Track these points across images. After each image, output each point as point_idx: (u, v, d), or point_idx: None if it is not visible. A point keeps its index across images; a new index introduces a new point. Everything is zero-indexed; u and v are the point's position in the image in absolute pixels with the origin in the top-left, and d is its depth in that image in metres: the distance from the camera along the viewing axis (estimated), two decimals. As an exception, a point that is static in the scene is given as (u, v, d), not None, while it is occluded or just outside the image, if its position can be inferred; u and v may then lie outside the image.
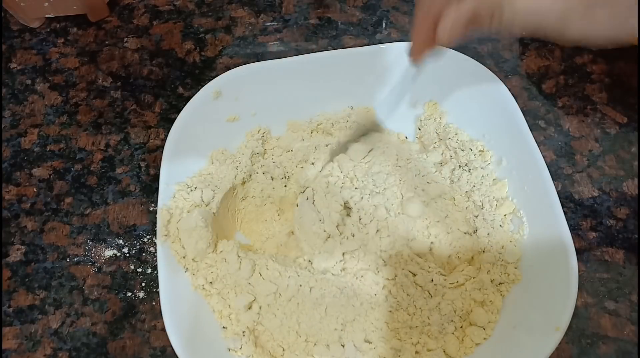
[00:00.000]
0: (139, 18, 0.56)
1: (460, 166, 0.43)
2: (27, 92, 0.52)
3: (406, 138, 0.46)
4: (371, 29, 0.55)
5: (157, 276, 0.37)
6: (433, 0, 0.31)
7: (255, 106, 0.45)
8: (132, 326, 0.41)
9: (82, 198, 0.46)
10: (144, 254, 0.44)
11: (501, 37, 0.30)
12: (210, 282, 0.38)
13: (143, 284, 0.42)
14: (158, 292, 0.37)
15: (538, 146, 0.39)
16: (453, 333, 0.37)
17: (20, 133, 0.50)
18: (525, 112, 0.41)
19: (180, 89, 0.52)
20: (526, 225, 0.39)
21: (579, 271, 0.35)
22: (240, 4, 0.57)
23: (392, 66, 0.45)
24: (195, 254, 0.38)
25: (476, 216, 0.41)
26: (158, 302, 0.40)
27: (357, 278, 0.38)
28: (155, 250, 0.43)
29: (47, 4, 0.53)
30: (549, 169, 0.38)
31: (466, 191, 0.42)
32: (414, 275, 0.38)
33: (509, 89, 0.42)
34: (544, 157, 0.39)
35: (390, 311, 0.37)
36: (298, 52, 0.53)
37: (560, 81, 0.51)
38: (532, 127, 0.41)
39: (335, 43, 0.54)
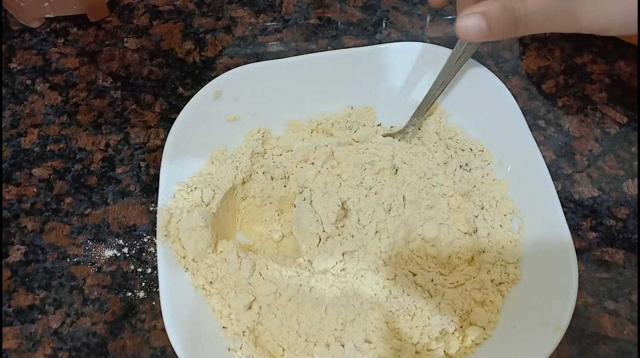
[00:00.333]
0: (139, 18, 0.56)
1: (460, 166, 0.43)
2: (27, 92, 0.52)
3: (405, 137, 0.46)
4: (371, 29, 0.55)
5: (157, 276, 0.37)
6: None
7: (255, 106, 0.45)
8: (132, 326, 0.41)
9: (82, 198, 0.46)
10: (144, 254, 0.44)
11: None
12: (210, 282, 0.38)
13: (143, 284, 0.42)
14: (158, 292, 0.37)
15: (538, 146, 0.39)
16: (453, 333, 0.37)
17: (20, 133, 0.50)
18: (525, 112, 0.41)
19: (180, 89, 0.52)
20: (526, 224, 0.39)
21: (579, 271, 0.35)
22: (240, 4, 0.57)
23: (392, 66, 0.45)
24: (195, 254, 0.38)
25: (476, 216, 0.41)
26: (158, 302, 0.40)
27: (357, 278, 0.38)
28: (155, 250, 0.43)
29: (47, 4, 0.53)
30: (549, 169, 0.38)
31: (466, 191, 0.42)
32: (414, 275, 0.38)
33: (509, 89, 0.42)
34: (544, 157, 0.39)
35: (391, 311, 0.37)
36: (298, 52, 0.53)
37: (560, 80, 0.51)
38: (532, 127, 0.41)
39: (335, 43, 0.54)
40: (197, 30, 0.56)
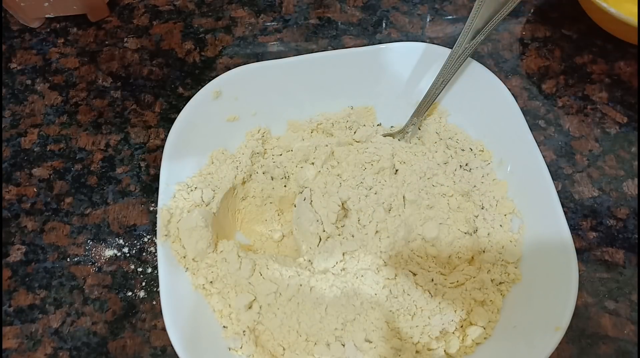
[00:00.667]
0: (139, 18, 0.56)
1: (460, 166, 0.43)
2: (27, 92, 0.52)
3: (405, 137, 0.46)
4: (371, 29, 0.55)
5: (157, 276, 0.37)
6: None
7: (255, 106, 0.45)
8: (133, 325, 0.41)
9: (82, 198, 0.46)
10: (144, 254, 0.44)
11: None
12: (211, 282, 0.38)
13: (143, 284, 0.42)
14: (158, 292, 0.37)
15: (538, 146, 0.39)
16: (453, 333, 0.37)
17: (20, 133, 0.50)
18: (525, 112, 0.41)
19: (180, 89, 0.52)
20: (526, 224, 0.39)
21: (579, 271, 0.35)
22: (240, 4, 0.57)
23: (392, 66, 0.45)
24: (196, 254, 0.38)
25: (476, 216, 0.41)
26: (158, 302, 0.40)
27: (357, 278, 0.38)
28: (156, 249, 0.43)
29: (47, 4, 0.53)
30: (549, 169, 0.38)
31: (466, 191, 0.42)
32: (414, 274, 0.38)
33: (509, 89, 0.42)
34: (544, 157, 0.39)
35: (391, 311, 0.37)
36: (298, 52, 0.53)
37: (561, 80, 0.51)
38: (532, 127, 0.41)
39: (335, 43, 0.54)
40: (197, 30, 0.56)
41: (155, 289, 0.42)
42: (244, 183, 0.44)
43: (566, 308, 0.34)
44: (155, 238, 0.41)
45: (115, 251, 0.44)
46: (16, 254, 0.44)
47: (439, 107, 0.45)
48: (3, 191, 0.47)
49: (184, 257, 0.39)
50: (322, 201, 0.40)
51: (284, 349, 0.37)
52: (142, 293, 0.42)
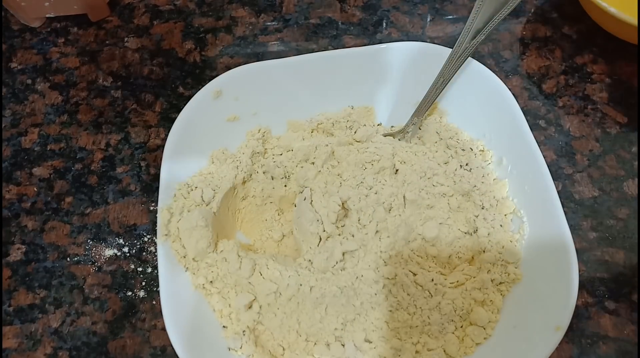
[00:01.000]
0: (140, 18, 0.56)
1: (461, 165, 0.43)
2: (27, 92, 0.52)
3: (405, 137, 0.46)
4: (371, 28, 0.55)
5: (157, 276, 0.37)
6: None
7: (255, 105, 0.45)
8: (133, 325, 0.41)
9: (82, 198, 0.46)
10: (144, 253, 0.44)
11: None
12: (211, 281, 0.38)
13: (143, 283, 0.42)
14: (158, 291, 0.37)
15: (538, 145, 0.39)
16: (453, 333, 0.37)
17: (21, 132, 0.50)
18: (525, 112, 0.41)
19: (181, 89, 0.52)
20: (526, 224, 0.39)
21: (579, 271, 0.35)
22: (240, 4, 0.57)
23: (392, 65, 0.45)
24: (196, 253, 0.38)
25: (476, 216, 0.41)
26: (158, 301, 0.40)
27: (357, 277, 0.38)
28: (156, 249, 0.43)
29: (47, 3, 0.53)
30: (549, 169, 0.38)
31: (467, 191, 0.42)
32: (414, 274, 0.38)
33: (510, 89, 0.42)
34: (544, 157, 0.39)
35: (391, 311, 0.37)
36: (298, 52, 0.53)
37: (561, 80, 0.51)
38: (533, 127, 0.41)
39: (336, 43, 0.54)
40: (197, 29, 0.56)
41: (155, 289, 0.42)
42: (244, 182, 0.44)
43: (566, 308, 0.34)
44: (155, 237, 0.41)
45: (115, 250, 0.44)
46: (16, 253, 0.44)
47: (439, 107, 0.45)
48: (3, 191, 0.47)
49: (184, 257, 0.39)
50: (323, 201, 0.40)
51: (283, 349, 0.37)
52: (142, 293, 0.42)
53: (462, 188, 0.42)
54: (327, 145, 0.44)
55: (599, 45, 0.52)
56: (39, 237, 0.45)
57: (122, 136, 0.49)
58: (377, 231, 0.39)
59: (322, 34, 0.55)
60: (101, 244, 0.44)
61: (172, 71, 0.53)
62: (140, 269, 0.43)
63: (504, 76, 0.51)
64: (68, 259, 0.44)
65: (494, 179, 0.42)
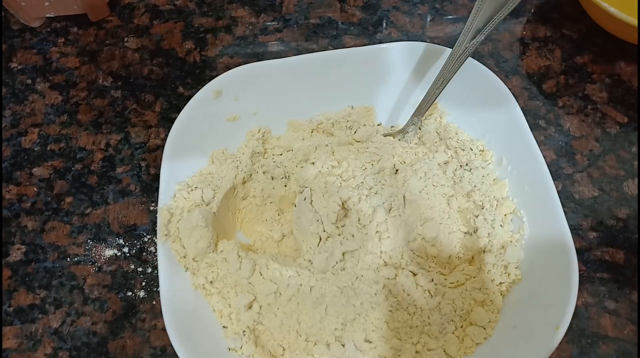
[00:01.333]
0: (140, 18, 0.56)
1: (461, 166, 0.43)
2: (27, 92, 0.52)
3: (405, 137, 0.46)
4: (371, 28, 0.55)
5: (157, 276, 0.37)
6: None
7: (255, 105, 0.45)
8: (133, 325, 0.41)
9: (82, 198, 0.46)
10: (144, 253, 0.44)
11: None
12: (211, 282, 0.38)
13: (143, 283, 0.42)
14: (158, 292, 0.37)
15: (538, 145, 0.39)
16: (453, 333, 0.37)
17: (21, 133, 0.50)
18: (525, 112, 0.41)
19: (181, 89, 0.52)
20: (526, 224, 0.39)
21: (579, 271, 0.35)
22: (240, 4, 0.57)
23: (392, 66, 0.45)
24: (196, 253, 0.38)
25: (476, 216, 0.41)
26: (158, 302, 0.40)
27: (357, 277, 0.38)
28: (156, 249, 0.43)
29: (47, 3, 0.53)
30: (549, 169, 0.38)
31: (467, 191, 0.42)
32: (415, 274, 0.38)
33: (510, 89, 0.42)
34: (544, 157, 0.39)
35: (391, 311, 0.37)
36: (298, 52, 0.53)
37: (561, 80, 0.51)
38: (533, 127, 0.41)
39: (336, 43, 0.54)
40: (197, 29, 0.56)
41: (155, 289, 0.42)
42: (244, 182, 0.44)
43: (566, 308, 0.34)
44: (155, 237, 0.41)
45: (115, 251, 0.44)
46: (16, 254, 0.44)
47: (439, 107, 0.45)
48: (3, 191, 0.47)
49: (184, 257, 0.39)
50: (322, 201, 0.40)
51: (283, 349, 0.37)
52: (142, 293, 0.42)
53: (462, 188, 0.42)
54: (327, 145, 0.44)
55: (599, 45, 0.52)
56: (39, 237, 0.45)
57: (122, 136, 0.49)
58: (377, 232, 0.39)
59: (322, 34, 0.55)
60: (101, 244, 0.44)
61: (172, 71, 0.53)
62: (140, 269, 0.43)
63: (504, 76, 0.51)
64: (68, 259, 0.44)
65: (494, 179, 0.42)
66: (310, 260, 0.39)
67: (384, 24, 0.55)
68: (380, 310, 0.37)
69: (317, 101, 0.46)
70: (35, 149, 0.49)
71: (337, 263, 0.38)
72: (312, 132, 0.46)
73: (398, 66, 0.45)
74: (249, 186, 0.44)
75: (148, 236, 0.44)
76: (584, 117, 0.49)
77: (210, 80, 0.43)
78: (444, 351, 0.36)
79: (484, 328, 0.37)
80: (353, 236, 0.39)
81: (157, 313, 0.41)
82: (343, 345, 0.37)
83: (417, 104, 0.44)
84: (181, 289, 0.37)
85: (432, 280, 0.38)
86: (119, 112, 0.51)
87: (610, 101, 0.49)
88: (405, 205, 0.40)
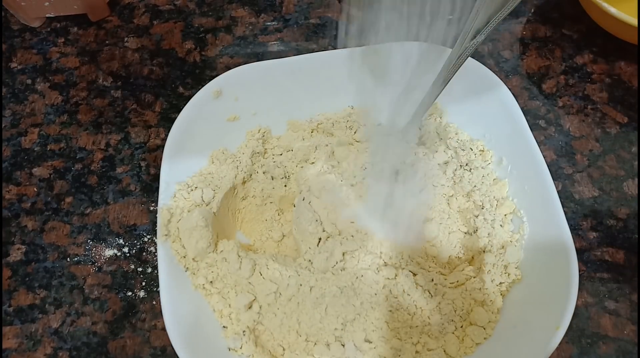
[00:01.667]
0: (140, 18, 0.56)
1: (461, 166, 0.43)
2: (27, 92, 0.52)
3: (405, 137, 0.46)
4: (371, 28, 0.55)
5: (157, 276, 0.37)
6: None
7: (255, 105, 0.45)
8: (133, 325, 0.41)
9: (82, 198, 0.46)
10: (144, 253, 0.44)
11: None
12: (211, 282, 0.38)
13: (143, 283, 0.42)
14: (158, 292, 0.37)
15: (538, 145, 0.39)
16: (453, 333, 0.37)
17: (21, 133, 0.50)
18: (525, 112, 0.41)
19: (181, 89, 0.52)
20: (526, 224, 0.39)
21: (579, 271, 0.35)
22: (240, 4, 0.57)
23: (392, 66, 0.45)
24: (196, 253, 0.38)
25: (476, 216, 0.41)
26: (158, 302, 0.40)
27: (357, 277, 0.38)
28: (156, 249, 0.43)
29: (47, 3, 0.53)
30: (549, 169, 0.38)
31: (467, 191, 0.42)
32: (414, 274, 0.38)
33: (510, 89, 0.42)
34: (544, 157, 0.39)
35: (391, 311, 0.37)
36: (298, 52, 0.53)
37: (561, 80, 0.51)
38: (533, 127, 0.41)
39: (336, 43, 0.54)
40: (197, 29, 0.56)
41: (155, 289, 0.42)
42: (244, 182, 0.44)
43: (566, 308, 0.34)
44: (155, 237, 0.41)
45: (115, 251, 0.44)
46: (16, 254, 0.44)
47: (439, 107, 0.45)
48: (3, 191, 0.47)
49: (184, 257, 0.39)
50: (322, 201, 0.40)
51: (283, 349, 0.37)
52: (142, 293, 0.42)
53: (462, 188, 0.42)
54: (327, 145, 0.44)
55: (599, 45, 0.52)
56: (39, 237, 0.45)
57: (122, 136, 0.49)
58: (377, 232, 0.39)
59: (322, 34, 0.55)
60: (101, 244, 0.44)
61: (172, 71, 0.53)
62: (140, 269, 0.43)
63: (504, 76, 0.51)
64: (68, 259, 0.44)
65: (494, 179, 0.42)
66: (310, 260, 0.39)
67: (384, 24, 0.55)
68: (380, 310, 0.37)
69: (317, 101, 0.46)
70: (35, 149, 0.49)
71: (337, 263, 0.38)
72: (312, 132, 0.46)
73: (398, 66, 0.45)
74: (249, 186, 0.44)
75: (148, 236, 0.44)
76: (584, 117, 0.49)
77: (210, 80, 0.43)
78: (444, 351, 0.36)
79: (484, 328, 0.37)
80: (353, 236, 0.39)
81: (157, 313, 0.41)
82: (343, 345, 0.37)
83: (417, 104, 0.44)
84: (181, 289, 0.37)
85: (432, 280, 0.38)
86: (119, 112, 0.51)
87: (610, 101, 0.49)
88: (424, 227, 0.40)
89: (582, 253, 0.42)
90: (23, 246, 0.44)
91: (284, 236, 0.43)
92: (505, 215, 0.41)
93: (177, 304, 0.36)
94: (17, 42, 0.55)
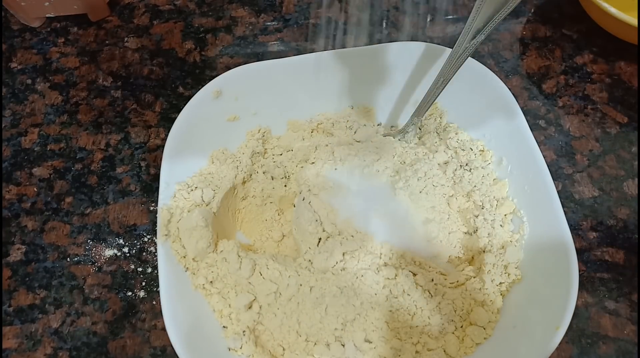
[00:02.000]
0: (140, 18, 0.56)
1: (461, 166, 0.43)
2: (27, 92, 0.52)
3: (405, 137, 0.46)
4: (371, 28, 0.55)
5: (157, 276, 0.37)
6: None
7: (255, 105, 0.45)
8: (133, 325, 0.41)
9: (82, 198, 0.46)
10: (144, 253, 0.44)
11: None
12: (211, 282, 0.38)
13: (143, 283, 0.42)
14: (158, 292, 0.37)
15: (538, 145, 0.39)
16: (453, 333, 0.37)
17: (21, 133, 0.50)
18: (525, 112, 0.41)
19: (181, 89, 0.52)
20: (526, 224, 0.39)
21: (579, 271, 0.35)
22: (240, 4, 0.57)
23: (392, 65, 0.45)
24: (196, 253, 0.38)
25: (476, 216, 0.41)
26: (158, 302, 0.40)
27: (357, 277, 0.38)
28: (156, 249, 0.43)
29: (47, 3, 0.53)
30: (549, 169, 0.38)
31: (467, 191, 0.42)
32: (415, 274, 0.38)
33: (510, 89, 0.42)
34: (544, 157, 0.39)
35: (391, 311, 0.37)
36: (298, 52, 0.53)
37: (561, 80, 0.51)
38: (533, 127, 0.41)
39: (336, 43, 0.54)
40: (197, 29, 0.56)
41: (155, 289, 0.42)
42: (244, 182, 0.44)
43: (566, 308, 0.34)
44: (155, 237, 0.41)
45: (115, 251, 0.44)
46: (16, 254, 0.44)
47: (439, 107, 0.45)
48: (3, 191, 0.47)
49: (184, 257, 0.39)
50: (321, 201, 0.40)
51: (283, 349, 0.37)
52: (142, 293, 0.42)
53: (462, 188, 0.42)
54: (327, 145, 0.44)
55: (599, 45, 0.52)
56: (39, 237, 0.45)
57: (122, 136, 0.49)
58: (377, 232, 0.39)
59: (322, 34, 0.55)
60: (101, 244, 0.44)
61: (172, 71, 0.53)
62: (140, 269, 0.43)
63: (504, 76, 0.51)
64: (68, 259, 0.44)
65: (494, 179, 0.42)
66: (310, 260, 0.39)
67: (384, 24, 0.55)
68: (380, 310, 0.37)
69: (317, 101, 0.46)
70: (35, 149, 0.49)
71: (337, 263, 0.38)
72: (312, 132, 0.46)
73: (398, 66, 0.45)
74: (249, 186, 0.44)
75: (148, 236, 0.44)
76: (584, 117, 0.49)
77: (210, 80, 0.43)
78: (444, 351, 0.36)
79: (484, 328, 0.37)
80: (353, 236, 0.39)
81: (157, 313, 0.41)
82: (343, 345, 0.37)
83: (417, 104, 0.44)
84: (181, 289, 0.37)
85: (432, 280, 0.38)
86: (119, 112, 0.51)
87: (610, 101, 0.49)
88: (424, 227, 0.40)
89: (582, 253, 0.42)
90: (23, 246, 0.44)
91: (284, 236, 0.43)
92: (505, 215, 0.41)
93: (177, 304, 0.36)
94: (17, 42, 0.55)
